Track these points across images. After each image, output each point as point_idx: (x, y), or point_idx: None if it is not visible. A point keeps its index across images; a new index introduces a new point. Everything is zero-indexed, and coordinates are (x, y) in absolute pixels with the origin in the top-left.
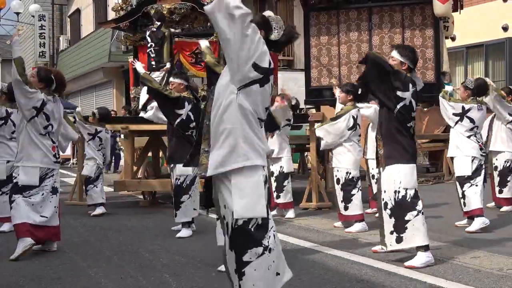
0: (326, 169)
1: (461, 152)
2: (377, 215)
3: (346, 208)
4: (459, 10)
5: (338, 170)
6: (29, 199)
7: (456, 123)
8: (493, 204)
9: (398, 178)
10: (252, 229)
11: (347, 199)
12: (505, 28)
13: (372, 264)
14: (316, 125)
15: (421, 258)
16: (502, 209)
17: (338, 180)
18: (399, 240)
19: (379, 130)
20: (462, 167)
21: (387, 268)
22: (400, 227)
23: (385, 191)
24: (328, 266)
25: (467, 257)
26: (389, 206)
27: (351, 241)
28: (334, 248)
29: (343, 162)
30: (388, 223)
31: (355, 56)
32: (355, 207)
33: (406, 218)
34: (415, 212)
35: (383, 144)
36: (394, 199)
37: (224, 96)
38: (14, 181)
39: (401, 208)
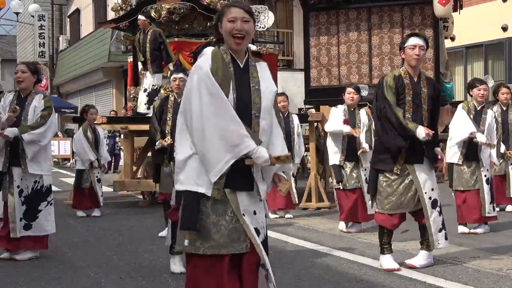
0: (326, 169)
1: None
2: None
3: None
4: (458, 10)
5: None
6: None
7: None
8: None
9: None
10: None
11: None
12: (504, 28)
13: (372, 264)
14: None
15: (422, 258)
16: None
17: None
18: (446, 237)
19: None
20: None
21: None
22: (445, 224)
23: (433, 189)
24: (328, 266)
25: (467, 257)
26: (439, 203)
27: (351, 241)
28: (334, 248)
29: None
30: (438, 221)
31: (355, 56)
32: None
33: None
34: None
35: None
36: (439, 196)
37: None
38: (37, 187)
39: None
